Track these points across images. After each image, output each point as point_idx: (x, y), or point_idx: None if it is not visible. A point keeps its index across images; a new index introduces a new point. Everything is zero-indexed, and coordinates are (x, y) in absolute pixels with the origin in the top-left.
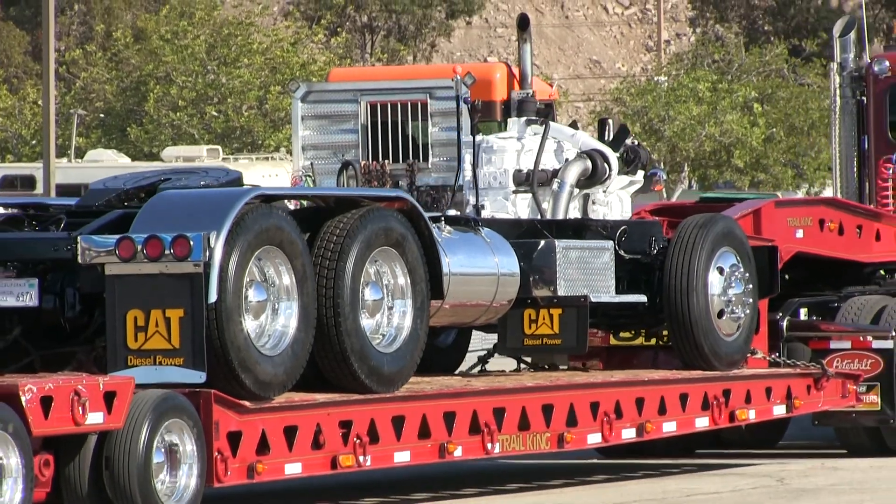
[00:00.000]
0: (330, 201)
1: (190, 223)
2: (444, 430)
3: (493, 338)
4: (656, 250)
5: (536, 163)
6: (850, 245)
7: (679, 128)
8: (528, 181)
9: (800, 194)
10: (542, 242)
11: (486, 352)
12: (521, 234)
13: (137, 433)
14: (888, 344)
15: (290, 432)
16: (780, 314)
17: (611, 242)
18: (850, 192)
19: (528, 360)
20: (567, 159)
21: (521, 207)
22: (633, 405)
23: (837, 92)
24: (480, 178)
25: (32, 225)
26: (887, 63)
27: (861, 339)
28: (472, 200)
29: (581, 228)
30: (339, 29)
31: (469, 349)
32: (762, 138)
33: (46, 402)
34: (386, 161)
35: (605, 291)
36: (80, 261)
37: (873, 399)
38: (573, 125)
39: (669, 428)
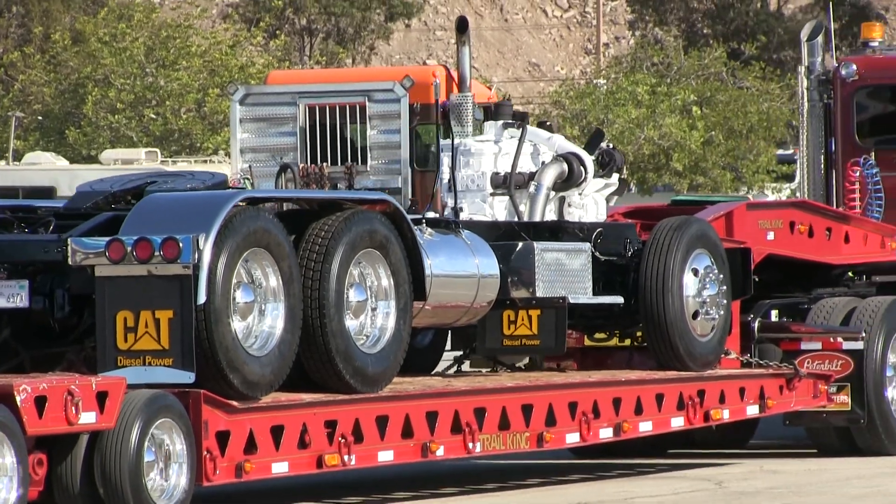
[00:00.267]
0: (314, 204)
1: (179, 225)
2: (427, 430)
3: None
4: (631, 252)
5: (514, 166)
6: (820, 247)
7: (618, 131)
8: (506, 184)
9: (771, 197)
10: (521, 244)
11: (462, 352)
12: (499, 237)
13: (129, 433)
14: (858, 345)
15: (276, 432)
16: (752, 315)
17: (588, 244)
18: (818, 195)
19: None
20: (543, 162)
21: (498, 210)
22: (611, 405)
23: (805, 95)
24: (458, 180)
25: (21, 227)
26: (854, 67)
27: (831, 340)
28: (451, 203)
29: (558, 230)
30: (277, 31)
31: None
32: (701, 141)
33: (41, 402)
34: (324, 164)
35: (582, 293)
36: (70, 262)
37: (844, 399)
38: (548, 128)
39: (646, 428)
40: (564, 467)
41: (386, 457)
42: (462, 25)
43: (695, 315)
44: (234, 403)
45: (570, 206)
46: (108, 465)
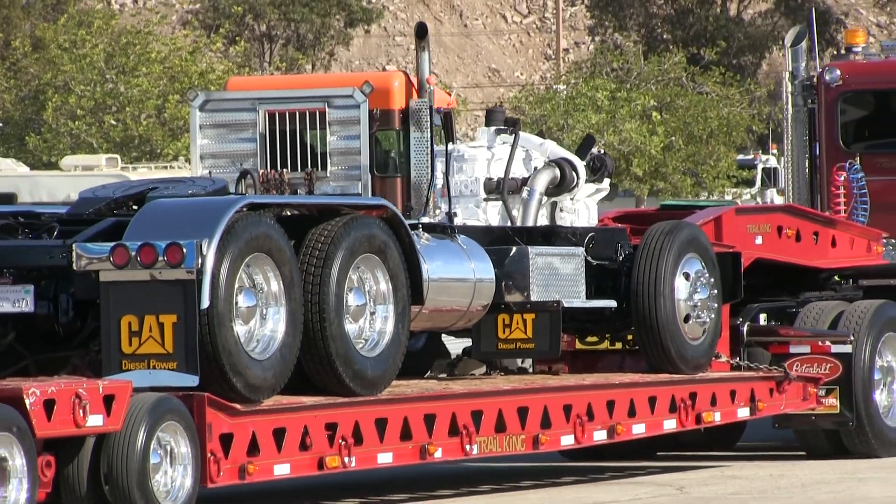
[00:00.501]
0: (313, 209)
1: (182, 231)
2: (425, 432)
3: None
4: (623, 256)
5: (507, 171)
6: (808, 251)
7: (578, 136)
8: (499, 189)
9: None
10: (515, 249)
11: (455, 356)
12: (493, 241)
13: (136, 435)
14: (847, 348)
15: (278, 434)
16: (741, 319)
17: (581, 249)
18: (802, 199)
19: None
20: (536, 168)
21: (491, 215)
22: (604, 408)
23: (789, 100)
24: (452, 186)
25: (25, 233)
26: (838, 72)
27: (820, 343)
28: (445, 208)
29: (550, 235)
30: (237, 38)
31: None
32: (661, 147)
33: (49, 405)
34: (284, 170)
35: (576, 296)
36: (74, 268)
37: (832, 402)
38: (540, 134)
39: (639, 430)
40: (532, 470)
41: (385, 459)
42: (421, 31)
43: (686, 318)
44: (238, 406)
45: (561, 210)
46: (116, 467)
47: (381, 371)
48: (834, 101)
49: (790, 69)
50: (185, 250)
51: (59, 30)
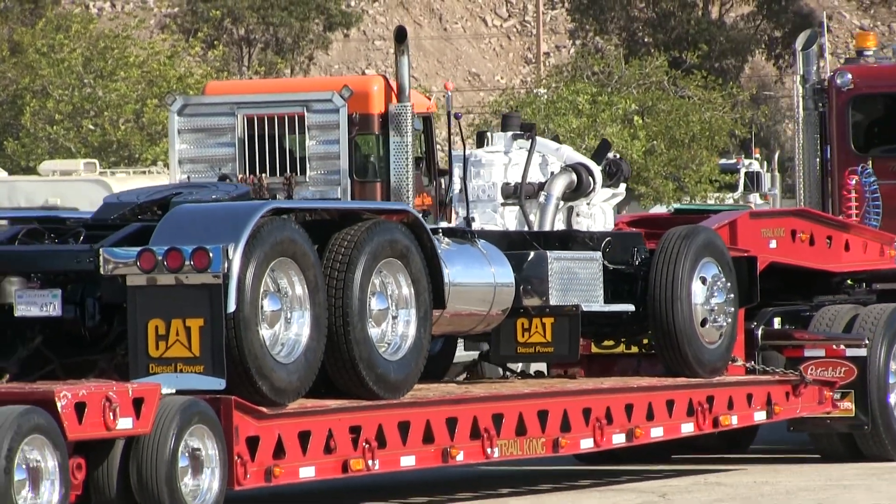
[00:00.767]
0: (334, 214)
1: (208, 235)
2: (447, 436)
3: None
4: (639, 261)
5: (524, 176)
6: (821, 255)
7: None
8: (516, 194)
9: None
10: (533, 254)
11: (471, 360)
12: (510, 246)
13: (165, 438)
14: (862, 352)
15: (303, 437)
16: (755, 323)
17: (599, 253)
18: (814, 203)
19: (515, 368)
20: (552, 172)
21: (508, 219)
22: (623, 411)
23: (800, 104)
24: (469, 191)
25: (52, 238)
26: (849, 76)
27: (835, 347)
28: (463, 213)
29: (568, 240)
30: (216, 42)
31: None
32: (642, 151)
33: (80, 408)
34: (263, 174)
35: (594, 300)
36: (101, 272)
37: (848, 406)
38: (556, 139)
39: (657, 433)
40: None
41: (408, 462)
42: (401, 35)
43: (703, 323)
44: (264, 409)
45: (578, 215)
46: (145, 470)
47: (404, 375)
48: (845, 105)
49: (801, 73)
50: (211, 255)
51: (37, 34)
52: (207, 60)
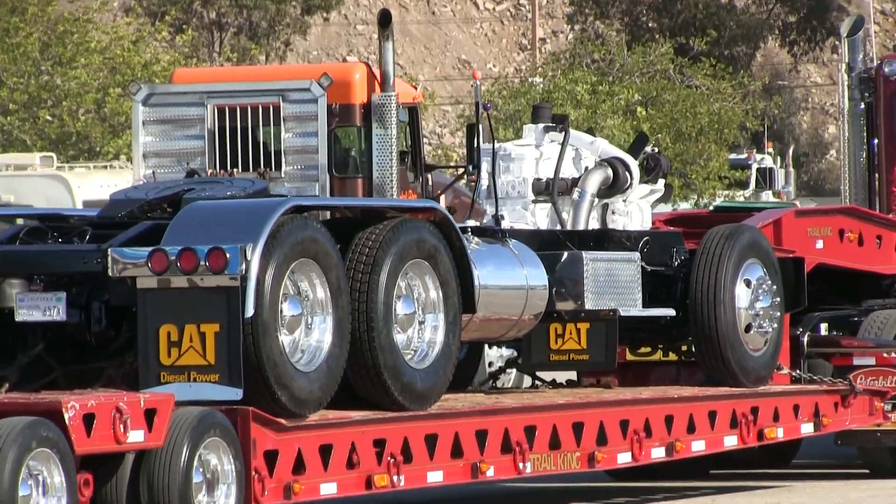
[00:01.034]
0: (357, 212)
1: (225, 235)
2: (477, 449)
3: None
4: (679, 262)
5: (556, 171)
6: (871, 256)
7: None
8: (548, 190)
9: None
10: (567, 254)
11: (498, 367)
12: (542, 245)
13: (178, 452)
14: None
15: (325, 451)
16: (801, 329)
17: (637, 254)
18: (860, 200)
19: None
20: (586, 167)
21: (540, 217)
22: (663, 423)
23: (846, 94)
24: (498, 187)
25: (55, 237)
26: None
27: (885, 355)
28: (491, 210)
29: (603, 239)
30: (184, 26)
31: None
32: None
33: (89, 420)
34: (235, 170)
35: (632, 305)
36: (110, 274)
37: None
38: (590, 132)
39: (698, 447)
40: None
41: (436, 477)
42: (385, 19)
43: (748, 328)
44: (283, 421)
45: (613, 213)
46: (157, 485)
47: (431, 384)
48: (894, 95)
49: (847, 61)
50: (228, 255)
51: None
52: (175, 46)
